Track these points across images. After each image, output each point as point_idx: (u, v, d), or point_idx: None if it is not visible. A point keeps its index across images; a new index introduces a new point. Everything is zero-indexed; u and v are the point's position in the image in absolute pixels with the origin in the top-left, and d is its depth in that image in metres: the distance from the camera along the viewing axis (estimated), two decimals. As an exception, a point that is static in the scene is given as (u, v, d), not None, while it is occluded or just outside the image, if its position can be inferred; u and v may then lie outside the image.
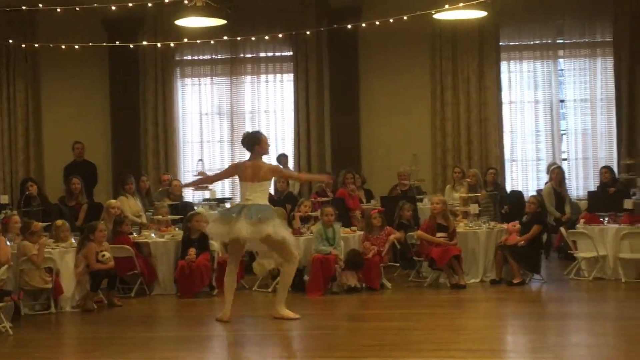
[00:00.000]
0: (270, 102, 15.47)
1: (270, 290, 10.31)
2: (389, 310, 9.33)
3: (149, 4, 11.93)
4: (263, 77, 15.54)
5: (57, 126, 15.38)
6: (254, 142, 8.55)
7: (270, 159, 15.21)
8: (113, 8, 11.94)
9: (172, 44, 13.87)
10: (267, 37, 13.95)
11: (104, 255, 9.60)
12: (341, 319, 8.84)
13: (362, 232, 10.75)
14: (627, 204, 11.36)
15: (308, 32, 13.92)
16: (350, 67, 14.90)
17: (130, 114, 15.29)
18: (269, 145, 8.79)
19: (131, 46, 13.90)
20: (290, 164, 14.83)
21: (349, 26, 12.74)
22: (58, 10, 12.15)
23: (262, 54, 15.49)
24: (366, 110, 15.08)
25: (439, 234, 10.48)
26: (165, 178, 13.73)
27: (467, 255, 10.60)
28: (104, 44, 14.08)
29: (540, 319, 8.59)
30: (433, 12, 11.42)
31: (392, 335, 7.74)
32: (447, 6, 10.98)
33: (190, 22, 11.66)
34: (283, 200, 12.20)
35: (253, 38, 14.23)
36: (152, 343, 7.83)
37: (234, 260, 8.65)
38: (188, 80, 15.69)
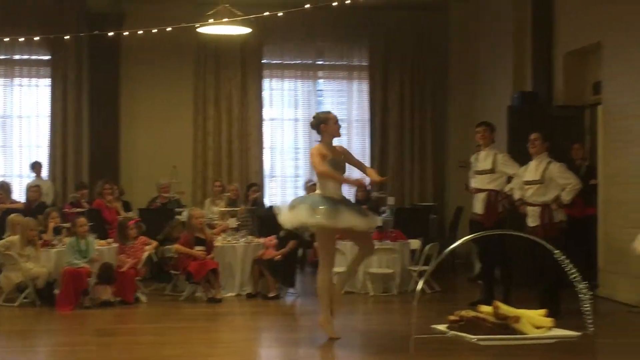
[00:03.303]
0: (25, 107, 14.73)
1: (16, 304, 9.79)
2: (143, 325, 9.16)
3: None
4: (17, 80, 14.78)
5: None
6: (319, 121, 7.85)
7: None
8: None
9: None
10: (21, 39, 13.24)
11: None
12: (92, 334, 8.54)
13: (117, 245, 10.48)
14: (377, 221, 11.93)
15: (67, 37, 13.39)
16: (112, 75, 14.55)
17: None
18: (339, 125, 7.93)
19: None
20: (45, 173, 14.21)
21: (111, 33, 12.39)
22: None
23: (17, 57, 14.73)
24: (127, 119, 14.79)
25: (197, 248, 10.45)
26: None
27: (224, 269, 10.64)
28: None
29: (293, 332, 8.79)
30: (197, 26, 11.40)
31: (145, 349, 7.59)
32: (211, 20, 10.99)
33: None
34: (34, 210, 11.63)
35: (6, 39, 13.46)
36: None
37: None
38: None
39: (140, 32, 11.69)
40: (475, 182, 9.73)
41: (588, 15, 11.17)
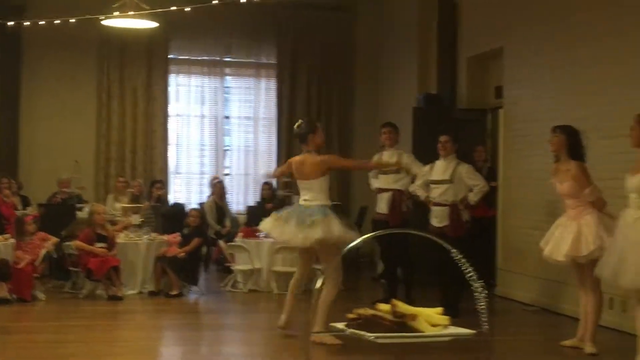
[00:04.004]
0: None
1: None
2: (41, 323, 8.94)
3: None
4: None
5: None
6: (309, 130, 7.61)
7: None
8: None
9: None
10: None
11: None
12: (-13, 332, 8.31)
13: (14, 241, 10.19)
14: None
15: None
16: (11, 66, 14.12)
17: None
18: (324, 135, 7.86)
19: None
20: (-61, 165, 13.71)
21: (10, 23, 11.99)
22: None
23: None
24: (27, 112, 14.39)
25: (98, 244, 10.25)
26: None
27: (126, 266, 10.48)
28: None
29: (195, 330, 8.73)
30: (102, 18, 11.17)
31: (42, 348, 7.43)
32: (116, 13, 10.78)
33: None
34: None
35: None
36: None
37: (300, 266, 7.89)
38: None
39: (42, 22, 11.37)
40: (380, 182, 9.84)
41: (491, 21, 11.44)
